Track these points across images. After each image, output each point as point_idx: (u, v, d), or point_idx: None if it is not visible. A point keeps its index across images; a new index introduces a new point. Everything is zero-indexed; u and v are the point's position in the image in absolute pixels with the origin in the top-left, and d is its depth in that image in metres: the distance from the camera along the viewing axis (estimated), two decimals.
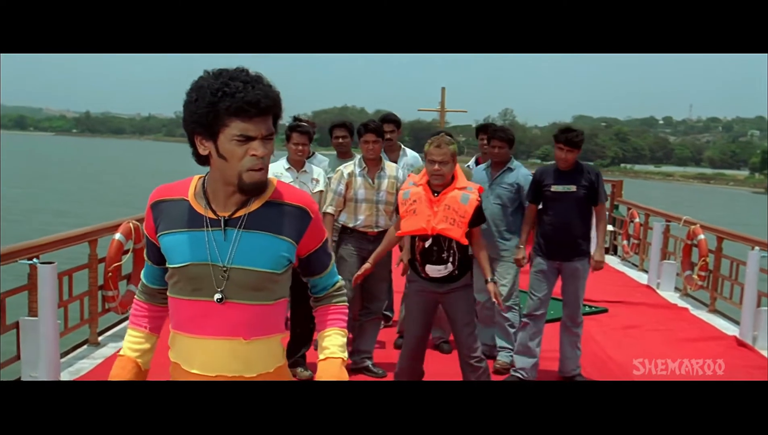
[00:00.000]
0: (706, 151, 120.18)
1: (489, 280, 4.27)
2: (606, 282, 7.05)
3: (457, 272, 4.26)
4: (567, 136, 4.88)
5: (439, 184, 4.22)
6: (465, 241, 4.19)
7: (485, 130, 5.87)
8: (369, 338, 5.20)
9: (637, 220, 9.95)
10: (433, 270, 4.25)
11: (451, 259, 4.23)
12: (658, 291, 8.41)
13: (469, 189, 4.26)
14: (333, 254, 2.17)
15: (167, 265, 1.96)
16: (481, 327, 5.48)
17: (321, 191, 5.11)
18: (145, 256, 2.12)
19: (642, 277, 9.16)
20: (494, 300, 4.30)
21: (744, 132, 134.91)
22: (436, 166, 4.17)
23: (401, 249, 4.82)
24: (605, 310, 7.14)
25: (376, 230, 4.97)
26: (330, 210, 4.97)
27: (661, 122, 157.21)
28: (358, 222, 4.98)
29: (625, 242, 10.26)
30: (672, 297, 8.16)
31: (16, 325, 4.77)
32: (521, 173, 5.37)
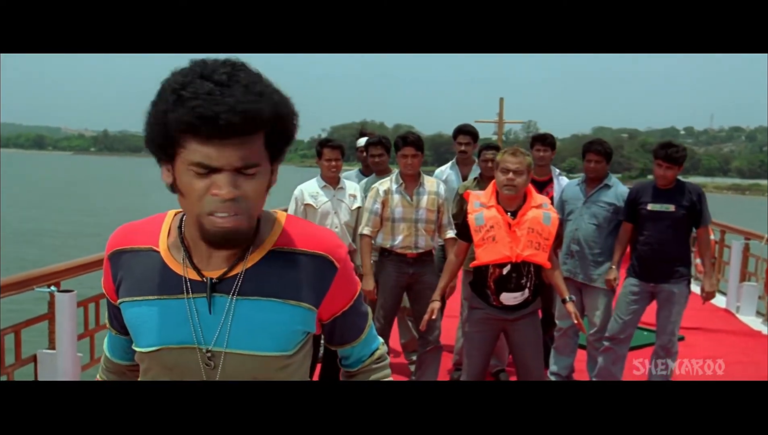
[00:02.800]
0: (734, 161, 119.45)
1: (567, 299, 3.87)
2: None
3: (531, 298, 3.89)
4: (668, 151, 4.46)
5: (511, 200, 3.77)
6: (549, 265, 3.81)
7: (543, 140, 5.44)
8: (432, 371, 4.70)
9: (712, 237, 9.34)
10: (509, 298, 3.84)
11: (528, 285, 3.83)
12: (737, 316, 7.81)
13: (545, 205, 3.89)
14: (369, 311, 1.58)
15: (133, 347, 1.41)
16: (558, 356, 5.10)
17: (359, 207, 4.77)
18: (107, 322, 1.52)
19: (719, 300, 8.41)
20: (574, 321, 3.88)
21: None
22: (510, 175, 3.74)
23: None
24: (682, 338, 6.49)
25: (415, 252, 4.54)
26: (366, 231, 4.55)
27: (682, 132, 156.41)
28: (396, 242, 4.54)
29: (698, 261, 9.68)
30: (754, 323, 7.55)
31: (34, 359, 4.42)
32: (620, 191, 4.89)
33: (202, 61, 1.26)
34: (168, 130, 1.23)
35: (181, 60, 1.28)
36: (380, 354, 1.58)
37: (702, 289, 4.75)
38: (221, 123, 1.19)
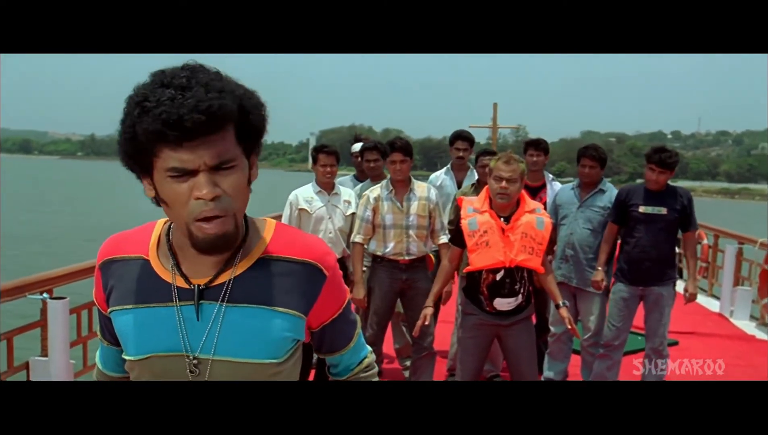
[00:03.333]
0: (722, 165, 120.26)
1: (561, 304, 3.88)
2: (673, 309, 6.53)
3: (524, 303, 3.89)
4: (660, 156, 4.49)
5: (504, 206, 3.78)
6: (542, 270, 3.80)
7: (536, 145, 5.45)
8: (426, 377, 4.70)
9: (705, 241, 9.44)
10: (503, 303, 3.83)
11: (521, 290, 3.83)
12: (731, 320, 7.86)
13: (538, 210, 3.88)
14: (358, 320, 1.58)
15: (123, 356, 1.41)
16: (552, 361, 5.12)
17: (354, 213, 4.76)
18: (98, 333, 1.52)
19: (712, 304, 8.60)
20: (567, 326, 3.86)
21: (755, 145, 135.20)
22: (504, 184, 3.73)
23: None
24: (675, 343, 6.49)
25: (407, 258, 4.53)
26: (358, 239, 4.56)
27: (669, 136, 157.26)
28: (388, 249, 4.53)
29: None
30: (748, 327, 7.60)
31: (26, 366, 4.42)
32: (614, 195, 4.91)
33: (162, 71, 1.26)
34: (139, 142, 1.23)
35: (171, 61, 1.28)
36: (368, 362, 1.58)
37: (685, 290, 4.83)
38: (187, 124, 1.19)
